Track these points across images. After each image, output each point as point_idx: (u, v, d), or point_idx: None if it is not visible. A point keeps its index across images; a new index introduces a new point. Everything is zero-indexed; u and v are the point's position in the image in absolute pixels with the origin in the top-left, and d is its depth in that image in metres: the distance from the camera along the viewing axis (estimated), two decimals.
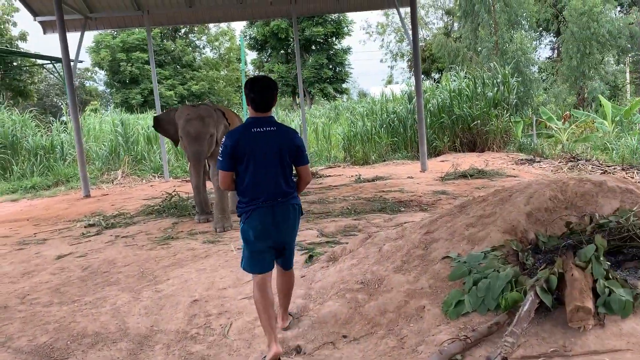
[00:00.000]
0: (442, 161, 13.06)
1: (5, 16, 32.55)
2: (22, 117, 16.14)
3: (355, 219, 6.40)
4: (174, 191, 8.88)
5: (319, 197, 8.52)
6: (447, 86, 15.69)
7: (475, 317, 2.99)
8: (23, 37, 33.22)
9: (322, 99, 34.49)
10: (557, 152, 13.61)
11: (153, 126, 7.50)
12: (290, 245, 3.21)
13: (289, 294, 3.38)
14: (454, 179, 9.62)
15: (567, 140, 14.27)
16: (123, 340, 3.48)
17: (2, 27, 33.12)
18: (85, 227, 7.44)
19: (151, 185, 12.59)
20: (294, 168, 3.16)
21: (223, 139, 3.05)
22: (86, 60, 36.35)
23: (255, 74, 40.30)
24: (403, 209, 7.02)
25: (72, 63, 11.46)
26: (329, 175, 11.86)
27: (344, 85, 35.20)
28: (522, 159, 12.65)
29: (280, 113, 24.08)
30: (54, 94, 43.06)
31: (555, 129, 14.87)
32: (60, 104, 33.37)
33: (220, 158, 3.02)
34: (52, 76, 34.90)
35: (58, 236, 6.97)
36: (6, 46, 30.57)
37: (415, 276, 3.45)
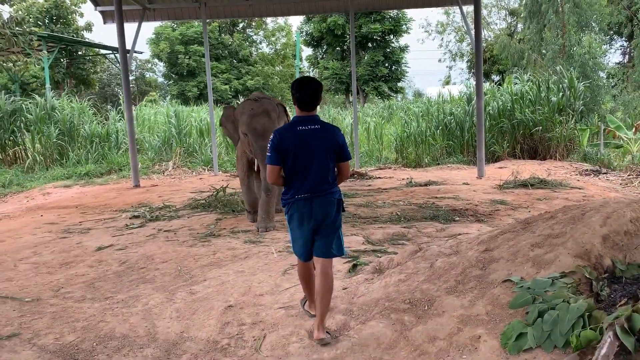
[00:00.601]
0: (501, 168, 12.43)
1: (73, 7, 33.75)
2: (80, 104, 16.53)
3: (404, 227, 6.02)
4: (221, 187, 8.74)
5: (367, 200, 8.17)
6: (508, 89, 14.96)
7: (540, 354, 2.59)
8: (88, 27, 34.24)
9: (376, 97, 33.98)
10: (626, 163, 12.70)
11: (220, 125, 7.27)
12: (328, 235, 3.25)
13: (325, 295, 3.19)
14: (514, 188, 9.04)
15: (637, 151, 13.30)
16: (150, 346, 3.28)
17: (70, 17, 34.37)
18: (129, 218, 7.39)
19: (200, 178, 12.57)
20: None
21: (271, 136, 3.24)
22: (146, 52, 37.25)
23: (310, 71, 40.38)
24: (457, 219, 6.57)
25: (128, 53, 11.56)
26: (379, 177, 11.47)
27: (399, 84, 34.50)
28: (586, 170, 11.85)
29: (332, 111, 23.80)
30: (115, 84, 44.45)
31: (625, 139, 13.89)
32: (120, 93, 34.34)
33: (268, 153, 3.23)
34: (114, 66, 35.96)
35: (102, 226, 6.93)
36: (72, 36, 31.65)
37: (471, 300, 3.07)
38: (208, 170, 13.93)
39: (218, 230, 6.33)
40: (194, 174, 13.61)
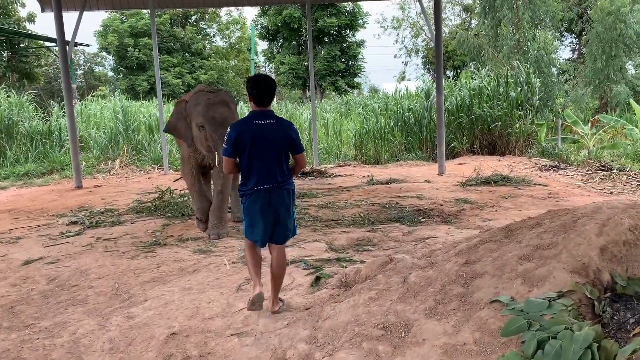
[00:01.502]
0: (460, 164, 12.22)
1: None
2: (19, 99, 15.40)
3: (369, 230, 5.59)
4: (167, 188, 8.10)
5: (328, 200, 7.71)
6: (467, 84, 14.80)
7: None
8: (31, 18, 32.44)
9: (333, 92, 33.63)
10: (583, 158, 12.73)
11: (165, 131, 6.24)
12: (283, 223, 3.48)
13: (280, 275, 3.53)
14: (476, 185, 8.78)
15: (593, 146, 13.38)
16: None
17: (10, 7, 32.48)
18: (66, 224, 6.69)
19: (149, 178, 11.83)
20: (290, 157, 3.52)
21: (228, 129, 3.43)
22: (93, 44, 35.69)
23: (266, 65, 39.59)
24: (423, 220, 6.20)
25: (68, 45, 10.70)
26: (339, 175, 11.05)
27: (356, 80, 34.24)
28: (546, 165, 11.78)
29: (289, 106, 23.26)
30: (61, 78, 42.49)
31: (582, 133, 13.97)
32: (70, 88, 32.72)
33: (225, 145, 3.40)
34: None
35: (34, 234, 6.21)
36: (14, 27, 29.91)
37: (455, 325, 2.64)
38: (158, 168, 13.18)
39: (164, 237, 5.73)
40: (142, 172, 12.84)
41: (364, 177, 10.54)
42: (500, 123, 13.01)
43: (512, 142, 13.16)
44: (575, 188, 8.77)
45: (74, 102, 17.85)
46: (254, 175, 3.36)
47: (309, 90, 34.45)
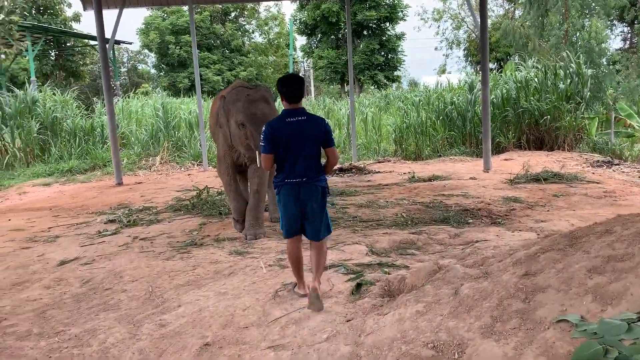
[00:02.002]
0: (507, 160, 11.72)
1: None
2: (63, 97, 15.68)
3: (412, 232, 5.29)
4: (205, 187, 7.99)
5: (368, 198, 7.44)
6: (513, 76, 14.20)
7: None
8: (77, 17, 33.28)
9: (372, 86, 33.17)
10: (638, 153, 12.03)
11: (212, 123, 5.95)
12: (312, 219, 3.59)
13: (321, 265, 3.66)
14: (525, 183, 8.33)
15: None
16: None
17: (57, 7, 33.35)
18: (104, 223, 6.65)
19: (188, 174, 11.82)
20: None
21: (263, 127, 3.59)
22: (136, 42, 36.31)
23: (304, 61, 39.35)
24: (470, 221, 5.85)
25: (108, 43, 10.75)
26: (379, 172, 10.74)
27: (395, 73, 33.66)
28: (598, 161, 11.18)
29: (327, 101, 23.02)
30: None
31: (637, 127, 13.20)
32: (114, 86, 33.47)
33: (262, 143, 3.56)
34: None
35: (72, 233, 6.18)
36: (60, 27, 30.70)
37: (516, 347, 2.35)
38: (197, 165, 13.18)
39: (201, 237, 5.58)
40: (182, 169, 12.86)
41: (404, 173, 10.21)
42: (549, 117, 12.39)
43: (561, 136, 12.54)
44: (633, 186, 8.21)
45: (116, 99, 18.14)
46: (286, 169, 3.53)
47: (347, 84, 34.10)
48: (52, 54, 34.97)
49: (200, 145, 13.18)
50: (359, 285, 3.76)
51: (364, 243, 4.92)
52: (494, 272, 3.06)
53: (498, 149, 12.99)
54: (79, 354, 3.03)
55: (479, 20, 10.40)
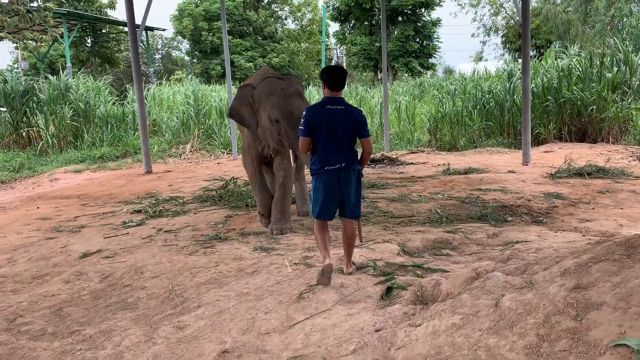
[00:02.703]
0: (547, 152, 11.24)
1: None
2: (96, 84, 15.78)
3: (447, 231, 4.99)
4: (232, 178, 7.83)
5: (400, 192, 7.15)
6: (554, 64, 13.58)
7: None
8: (112, 4, 33.60)
9: (406, 74, 32.55)
10: None
11: (229, 116, 5.56)
12: (349, 201, 3.80)
13: (351, 243, 3.90)
14: (568, 177, 7.90)
15: None
16: None
17: None
18: (130, 213, 6.55)
19: (218, 163, 11.72)
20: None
21: (303, 112, 3.78)
22: (169, 29, 36.50)
23: (337, 48, 38.85)
24: (510, 219, 5.51)
25: (138, 29, 10.66)
26: (412, 163, 10.41)
27: (430, 61, 32.94)
28: None
29: (359, 89, 22.65)
30: (142, 62, 43.89)
31: None
32: (148, 73, 33.78)
33: (301, 127, 3.73)
34: (140, 45, 35.30)
35: (98, 223, 6.10)
36: (95, 14, 31.06)
37: None
38: (227, 153, 13.08)
39: (226, 231, 5.41)
40: (212, 157, 12.78)
41: (439, 165, 9.86)
42: (594, 107, 11.79)
43: (605, 128, 11.93)
44: None
45: (150, 86, 18.19)
46: (324, 156, 3.68)
47: (380, 72, 33.54)
48: (88, 40, 35.50)
49: (230, 133, 13.06)
50: (389, 289, 3.51)
51: (395, 241, 4.66)
52: (539, 283, 2.76)
53: (537, 141, 12.48)
54: (92, 357, 2.87)
55: (520, 4, 9.90)
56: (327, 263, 3.67)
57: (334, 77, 3.71)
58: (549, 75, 13.17)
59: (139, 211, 6.58)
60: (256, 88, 5.09)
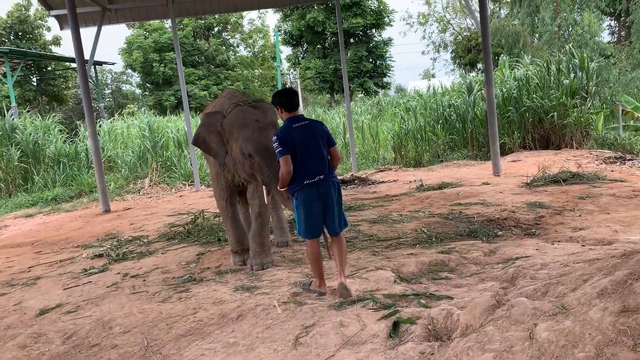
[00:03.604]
0: (514, 161, 11.20)
1: (39, 21, 32.07)
2: (44, 122, 14.98)
3: (441, 252, 4.67)
4: (199, 211, 7.35)
5: (379, 212, 6.83)
6: (512, 74, 13.71)
7: None
8: (56, 41, 32.72)
9: (361, 94, 32.72)
10: None
11: (194, 143, 5.02)
12: (332, 213, 3.82)
13: (343, 258, 3.87)
14: (544, 185, 7.76)
15: None
16: None
17: (36, 32, 32.69)
18: (91, 258, 5.97)
19: (180, 196, 11.15)
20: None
21: (274, 137, 3.77)
22: (119, 62, 35.68)
23: (290, 73, 38.81)
24: (500, 233, 5.25)
25: (87, 63, 10.12)
26: (382, 181, 10.14)
27: (385, 80, 33.23)
28: (610, 157, 10.66)
29: (318, 111, 22.50)
30: (92, 98, 42.69)
31: None
32: (98, 108, 32.76)
33: (280, 148, 3.68)
34: (90, 80, 34.35)
35: (55, 272, 5.50)
36: (40, 51, 30.03)
37: None
38: (189, 185, 12.51)
39: (200, 270, 4.93)
40: (173, 190, 12.18)
41: (410, 182, 9.62)
42: (554, 113, 11.87)
43: (568, 134, 12.02)
44: None
45: (102, 121, 17.46)
46: (302, 172, 3.71)
47: (336, 93, 33.60)
48: (34, 79, 34.27)
49: (191, 164, 12.53)
50: (396, 325, 3.14)
51: (388, 267, 4.30)
52: (574, 307, 2.45)
53: (503, 150, 12.43)
54: None
55: (478, 16, 9.90)
56: (323, 288, 3.86)
57: (289, 99, 3.87)
58: (507, 85, 13.27)
59: (100, 255, 6.01)
60: (226, 117, 4.63)
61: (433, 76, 38.59)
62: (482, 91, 13.48)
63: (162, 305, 4.02)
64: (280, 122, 4.19)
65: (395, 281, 4.00)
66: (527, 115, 12.45)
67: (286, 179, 3.72)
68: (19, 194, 12.75)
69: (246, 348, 3.12)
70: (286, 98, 3.87)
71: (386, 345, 2.93)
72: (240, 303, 3.88)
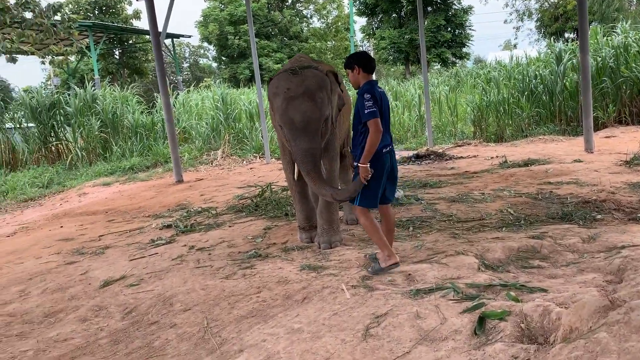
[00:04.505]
0: (608, 137, 10.23)
1: None
2: (122, 93, 15.37)
3: (531, 236, 4.15)
4: (267, 184, 7.14)
5: (459, 190, 6.32)
6: (608, 42, 12.47)
7: None
8: (137, 15, 33.59)
9: (439, 65, 31.46)
10: None
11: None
12: (393, 182, 3.81)
13: (393, 229, 3.90)
14: None
15: None
16: None
17: (118, 6, 33.77)
18: (160, 228, 5.92)
19: (251, 168, 11.07)
20: None
21: (365, 94, 3.49)
22: (195, 36, 36.33)
23: (364, 44, 38.01)
24: (599, 217, 4.64)
25: (160, 36, 10.11)
26: (461, 157, 9.55)
27: (463, 50, 31.69)
28: None
29: (392, 82, 21.78)
30: (170, 71, 43.90)
31: None
32: (176, 81, 33.63)
33: (373, 108, 3.44)
34: (168, 54, 35.42)
35: (124, 242, 5.48)
36: (121, 25, 31.02)
37: None
38: (260, 157, 12.43)
39: (266, 246, 4.70)
40: (244, 162, 12.14)
41: (492, 158, 8.99)
42: None
43: None
44: None
45: (178, 93, 17.74)
46: (383, 138, 3.51)
47: (411, 65, 32.48)
48: (116, 52, 35.62)
49: (262, 136, 12.42)
50: (481, 320, 2.73)
51: (471, 253, 3.86)
52: None
53: (595, 126, 11.35)
54: None
55: None
56: (393, 260, 3.57)
57: (369, 60, 3.69)
58: (602, 53, 12.09)
59: (168, 226, 5.94)
60: (269, 83, 4.29)
61: (515, 47, 36.55)
62: (573, 60, 12.42)
63: (225, 282, 3.81)
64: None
65: (479, 268, 3.56)
66: (625, 87, 11.32)
67: (376, 144, 3.45)
68: (98, 163, 13.20)
69: (311, 336, 2.83)
70: (367, 60, 3.68)
71: (470, 344, 2.54)
72: (306, 284, 3.59)
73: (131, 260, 4.70)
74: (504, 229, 4.44)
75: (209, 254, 4.62)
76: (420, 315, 2.89)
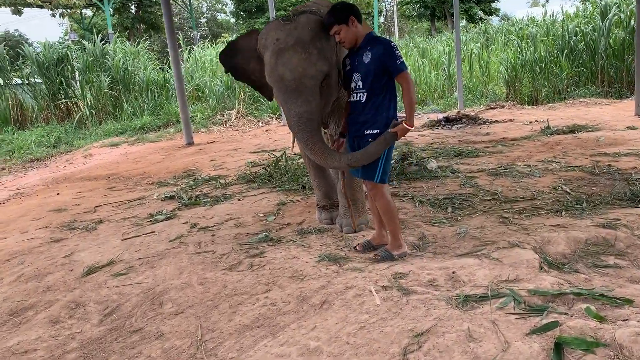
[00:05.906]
0: None
1: None
2: (133, 48, 14.62)
3: (599, 224, 3.41)
4: (283, 152, 6.44)
5: (499, 161, 5.56)
6: None
7: None
8: None
9: (465, 21, 29.95)
10: None
11: (223, 65, 3.84)
12: None
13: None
14: None
15: None
16: None
17: None
18: (161, 199, 5.30)
19: (266, 130, 10.39)
20: None
21: (392, 43, 3.02)
22: None
23: None
24: None
25: None
26: (495, 121, 8.72)
27: (493, 5, 30.06)
28: None
29: (417, 39, 20.64)
30: (187, 27, 42.77)
31: None
32: (193, 36, 32.68)
33: (403, 59, 3.01)
34: (184, 9, 34.38)
35: (120, 216, 4.88)
36: None
37: None
38: (277, 118, 11.71)
39: (279, 227, 4.04)
40: (260, 124, 11.45)
41: (530, 122, 8.17)
42: None
43: None
44: None
45: (192, 48, 16.93)
46: (393, 104, 3.11)
47: (437, 21, 31.01)
48: (132, 7, 34.67)
49: None
50: (558, 347, 2.05)
51: (528, 245, 3.15)
52: None
53: None
54: None
55: None
56: (406, 249, 3.22)
57: (358, 9, 3.11)
58: None
59: (171, 197, 5.32)
60: (260, 33, 3.37)
61: (544, 5, 34.67)
62: (620, 15, 11.32)
63: (227, 275, 3.17)
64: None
65: (541, 267, 2.86)
66: None
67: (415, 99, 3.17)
68: (108, 122, 12.63)
69: (333, 359, 2.18)
70: (356, 8, 3.08)
71: None
72: (326, 282, 2.93)
73: (124, 240, 4.08)
74: (563, 212, 3.70)
75: (212, 235, 3.98)
76: (474, 335, 2.22)
